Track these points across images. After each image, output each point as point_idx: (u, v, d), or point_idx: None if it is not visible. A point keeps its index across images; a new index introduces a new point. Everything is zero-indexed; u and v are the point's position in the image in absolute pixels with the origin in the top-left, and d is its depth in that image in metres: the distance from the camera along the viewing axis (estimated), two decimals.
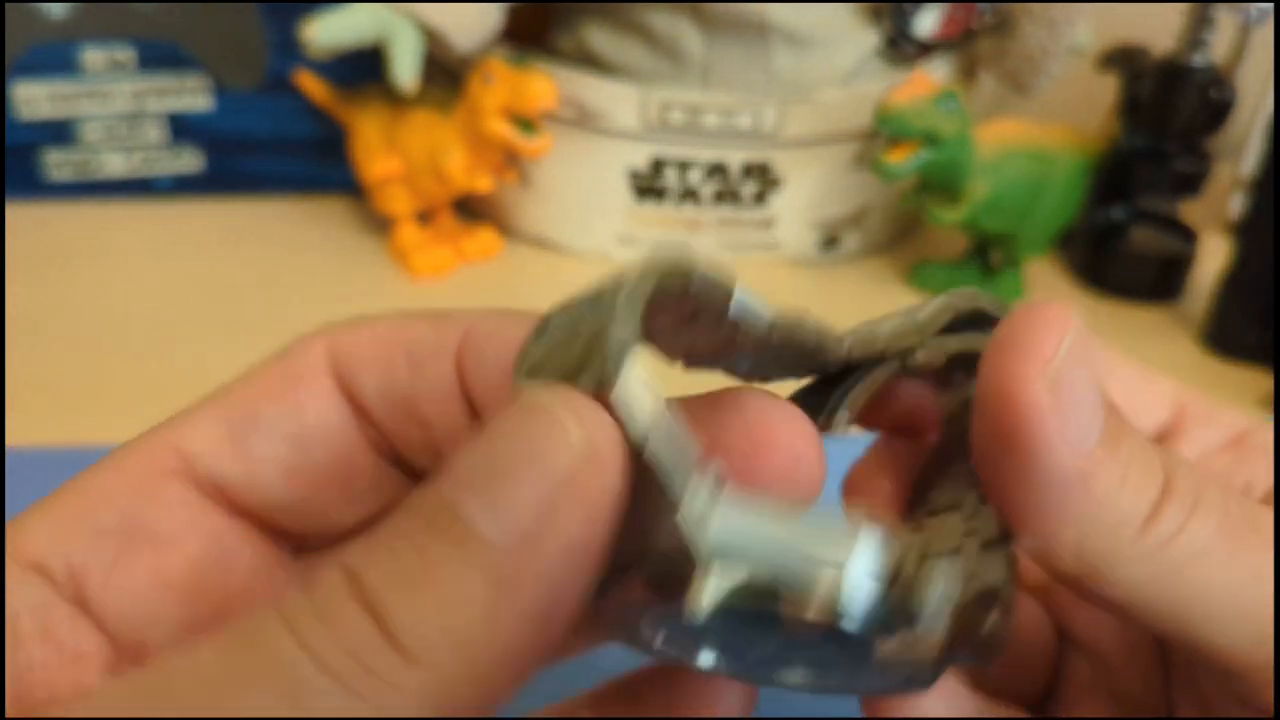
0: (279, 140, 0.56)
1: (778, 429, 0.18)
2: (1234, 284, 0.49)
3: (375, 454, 0.20)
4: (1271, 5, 0.51)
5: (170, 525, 0.18)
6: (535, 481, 0.14)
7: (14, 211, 0.55)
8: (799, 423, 0.18)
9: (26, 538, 0.18)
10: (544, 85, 0.47)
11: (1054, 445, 0.16)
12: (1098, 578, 0.17)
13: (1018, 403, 0.16)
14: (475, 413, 0.19)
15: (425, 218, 0.53)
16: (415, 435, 0.19)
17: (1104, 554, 0.17)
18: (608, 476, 0.14)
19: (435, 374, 0.19)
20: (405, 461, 0.20)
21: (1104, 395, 0.17)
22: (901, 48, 0.53)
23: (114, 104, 0.54)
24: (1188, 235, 0.53)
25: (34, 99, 0.53)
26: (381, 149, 0.51)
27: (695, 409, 0.18)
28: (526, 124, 0.48)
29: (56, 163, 0.55)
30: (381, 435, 0.20)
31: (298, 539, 0.20)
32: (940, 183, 0.49)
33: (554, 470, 0.14)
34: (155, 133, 0.55)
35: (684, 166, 0.52)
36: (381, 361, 0.19)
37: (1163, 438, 0.22)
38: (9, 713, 0.16)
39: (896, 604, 0.16)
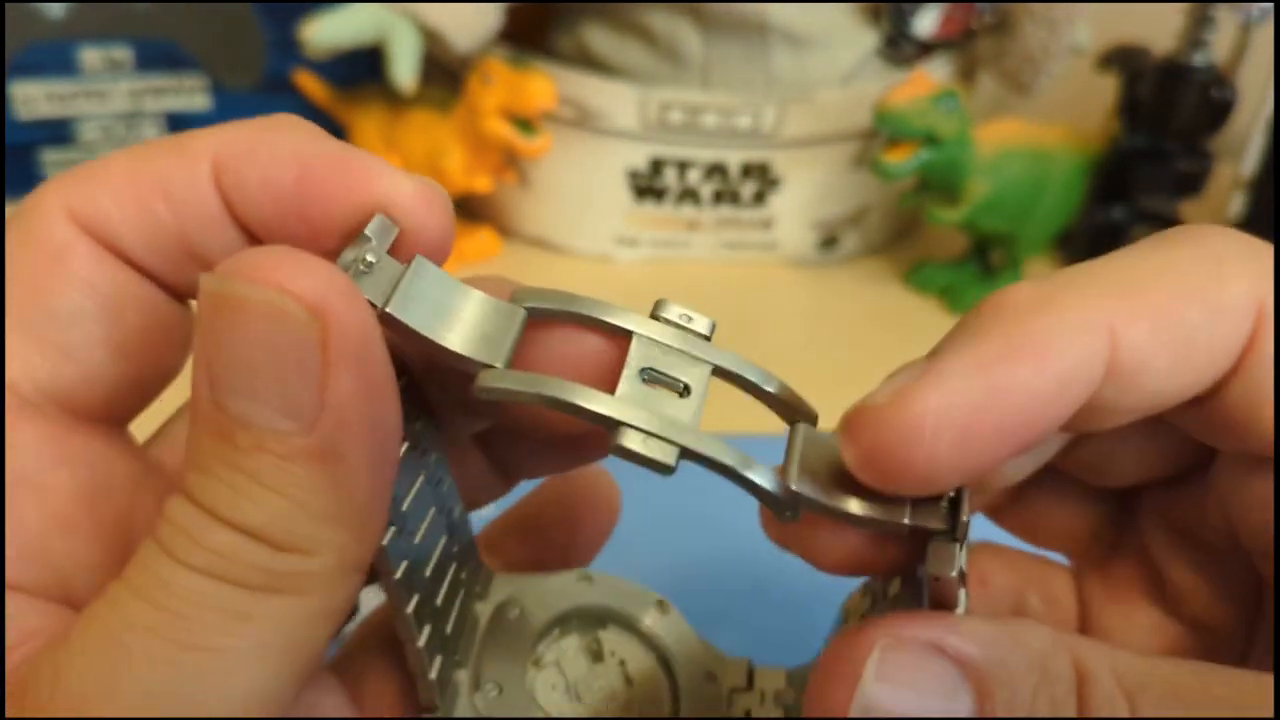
0: None
1: None
2: None
3: (171, 298, 0.19)
4: (1272, 5, 0.50)
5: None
6: (288, 372, 0.15)
7: (12, 211, 0.55)
8: None
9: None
10: (543, 85, 0.47)
11: None
12: None
13: None
14: (252, 234, 0.19)
15: None
16: (196, 270, 0.19)
17: None
18: (346, 321, 0.15)
19: (198, 207, 0.18)
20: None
21: (971, 658, 0.16)
22: (901, 48, 0.53)
23: (112, 103, 0.54)
24: None
25: (32, 98, 0.53)
26: (381, 149, 0.51)
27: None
28: (526, 124, 0.48)
29: (54, 162, 0.55)
30: (162, 281, 0.19)
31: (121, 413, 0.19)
32: (940, 183, 0.49)
33: (295, 350, 0.15)
34: (153, 132, 0.55)
35: (683, 166, 0.52)
36: (135, 208, 0.18)
37: (1234, 372, 0.18)
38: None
39: None
